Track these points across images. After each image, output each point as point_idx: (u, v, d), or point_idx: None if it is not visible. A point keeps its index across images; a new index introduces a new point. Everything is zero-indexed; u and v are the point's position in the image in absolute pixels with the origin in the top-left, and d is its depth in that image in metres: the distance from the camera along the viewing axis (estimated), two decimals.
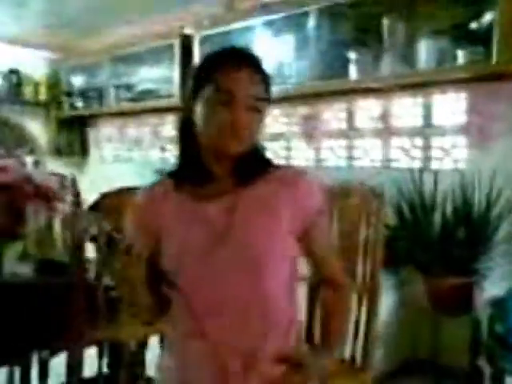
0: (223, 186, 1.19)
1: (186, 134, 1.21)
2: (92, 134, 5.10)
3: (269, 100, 1.19)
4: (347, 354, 1.73)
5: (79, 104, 4.83)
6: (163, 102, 4.00)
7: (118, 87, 4.44)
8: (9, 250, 1.76)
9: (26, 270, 1.78)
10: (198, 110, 1.16)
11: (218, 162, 1.18)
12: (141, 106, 4.26)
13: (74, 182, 1.95)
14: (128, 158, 4.71)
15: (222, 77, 1.13)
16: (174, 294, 1.17)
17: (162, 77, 4.03)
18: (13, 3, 3.76)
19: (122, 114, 4.60)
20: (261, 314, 1.16)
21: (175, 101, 3.78)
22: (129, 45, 4.18)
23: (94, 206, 1.74)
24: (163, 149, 4.42)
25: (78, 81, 4.92)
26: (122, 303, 1.72)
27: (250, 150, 1.17)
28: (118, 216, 1.56)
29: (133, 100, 4.31)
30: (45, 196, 1.67)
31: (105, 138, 4.98)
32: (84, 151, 5.10)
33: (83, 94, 4.80)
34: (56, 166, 4.12)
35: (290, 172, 1.22)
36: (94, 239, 1.77)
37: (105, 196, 1.77)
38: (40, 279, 1.76)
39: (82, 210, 1.82)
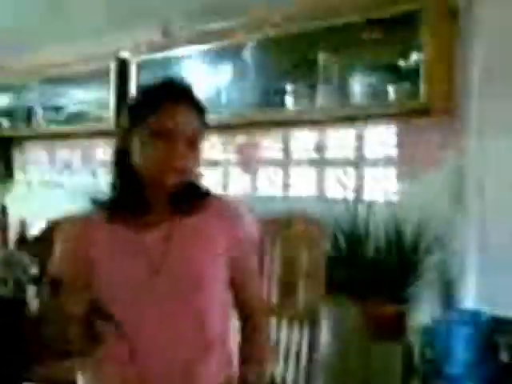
0: (159, 216, 1.21)
1: (122, 164, 1.22)
2: (18, 157, 4.88)
3: (204, 131, 1.23)
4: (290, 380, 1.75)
5: (4, 124, 4.62)
6: (96, 126, 3.91)
7: (47, 108, 4.29)
8: None
9: None
10: (135, 142, 1.18)
11: (155, 192, 1.21)
12: (71, 129, 4.13)
13: (4, 210, 1.86)
14: (57, 183, 4.54)
15: (158, 112, 1.17)
16: (107, 325, 1.15)
17: (94, 100, 3.95)
18: None
19: (51, 136, 4.45)
20: (196, 340, 1.19)
21: (109, 125, 3.70)
22: (61, 66, 4.06)
23: (43, 235, 1.66)
24: (94, 173, 4.30)
25: (3, 100, 4.71)
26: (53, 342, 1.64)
27: (188, 182, 1.21)
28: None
29: (63, 122, 4.18)
30: None
31: (32, 161, 4.78)
32: (8, 175, 4.87)
33: (9, 113, 4.60)
34: None
35: (224, 203, 1.29)
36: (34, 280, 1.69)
37: (54, 224, 1.69)
38: None
39: (16, 252, 1.74)
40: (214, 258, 1.22)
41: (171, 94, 1.20)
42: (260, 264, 1.47)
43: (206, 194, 1.27)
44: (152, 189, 1.20)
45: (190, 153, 1.18)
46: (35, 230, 1.68)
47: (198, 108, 1.22)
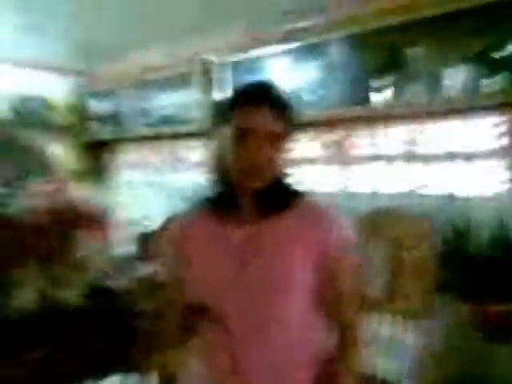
0: (248, 214, 1.25)
1: (221, 167, 1.28)
2: (115, 160, 5.13)
3: (289, 131, 1.24)
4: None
5: (102, 129, 4.88)
6: (185, 128, 4.04)
7: (140, 113, 4.48)
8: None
9: (71, 295, 1.80)
10: (225, 143, 1.24)
11: (243, 191, 1.25)
12: (163, 132, 4.30)
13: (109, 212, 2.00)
14: (151, 183, 4.74)
15: (237, 116, 1.21)
16: (203, 321, 1.21)
17: (183, 103, 4.07)
18: (35, 28, 3.81)
19: (144, 138, 4.64)
20: (276, 341, 1.19)
21: (196, 127, 3.81)
22: (150, 70, 4.22)
23: (161, 230, 1.76)
24: (184, 174, 4.44)
25: (101, 106, 4.97)
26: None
27: (274, 182, 1.23)
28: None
29: (155, 126, 4.35)
30: (90, 223, 1.70)
31: (128, 164, 5.01)
32: (107, 176, 5.13)
33: (106, 119, 4.84)
34: (79, 191, 4.16)
35: (313, 204, 1.27)
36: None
37: (170, 220, 1.78)
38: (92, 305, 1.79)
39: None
40: (302, 259, 1.21)
41: (247, 95, 1.22)
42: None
43: (294, 193, 1.27)
44: (240, 188, 1.24)
45: (270, 151, 1.19)
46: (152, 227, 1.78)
47: (279, 107, 1.22)
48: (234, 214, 1.25)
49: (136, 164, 4.91)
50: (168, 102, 4.25)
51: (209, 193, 1.30)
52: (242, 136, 1.19)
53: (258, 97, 1.22)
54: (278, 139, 1.20)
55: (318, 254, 1.21)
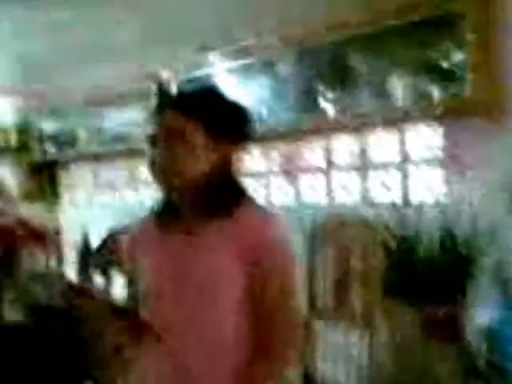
0: (187, 220, 1.24)
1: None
2: (63, 179, 5.02)
3: (224, 136, 1.23)
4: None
5: (50, 149, 4.77)
6: (138, 145, 3.99)
7: (90, 130, 4.41)
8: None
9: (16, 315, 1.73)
10: None
11: (177, 196, 1.25)
12: (114, 149, 4.23)
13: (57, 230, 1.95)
14: (101, 202, 4.65)
15: (151, 122, 1.27)
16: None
17: (135, 120, 4.03)
18: None
19: (94, 157, 4.56)
20: (210, 347, 1.19)
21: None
22: (101, 88, 4.17)
23: (102, 245, 1.71)
24: (137, 191, 4.38)
25: (48, 126, 4.87)
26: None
27: (210, 187, 1.22)
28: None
29: (105, 143, 4.28)
30: (41, 239, 1.64)
31: (77, 182, 4.91)
32: (55, 196, 5.01)
33: (54, 138, 4.74)
34: (27, 211, 4.05)
35: (253, 207, 1.26)
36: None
37: (112, 234, 1.74)
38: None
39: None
40: (232, 265, 1.18)
41: (158, 104, 1.32)
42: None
43: (233, 198, 1.24)
44: (167, 192, 1.26)
45: (181, 151, 1.20)
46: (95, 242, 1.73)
47: (191, 107, 1.23)
48: (174, 222, 1.26)
49: (87, 183, 4.81)
50: (122, 119, 4.21)
51: (156, 204, 1.32)
52: (154, 141, 1.22)
53: (169, 100, 1.28)
54: (191, 140, 1.21)
55: (251, 259, 1.19)
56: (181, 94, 1.36)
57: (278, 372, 1.23)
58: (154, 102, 3.76)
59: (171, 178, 1.21)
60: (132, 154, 4.20)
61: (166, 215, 1.27)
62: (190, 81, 3.53)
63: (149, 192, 4.17)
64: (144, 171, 4.29)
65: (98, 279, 1.74)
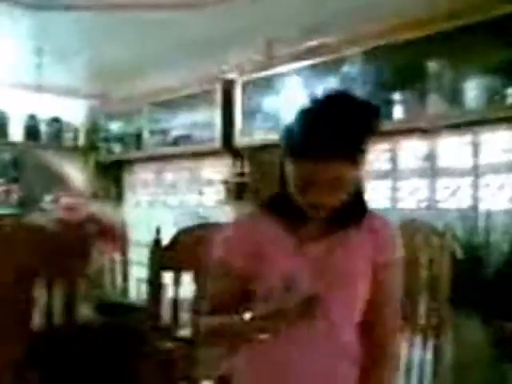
0: (319, 229, 1.21)
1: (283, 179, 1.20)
2: (128, 179, 5.15)
3: (357, 162, 1.13)
4: None
5: (116, 149, 4.91)
6: (203, 147, 4.03)
7: (155, 132, 4.50)
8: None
9: (85, 311, 1.77)
10: (286, 167, 1.16)
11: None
12: (178, 151, 4.30)
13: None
14: (164, 203, 4.72)
15: (300, 160, 1.11)
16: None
17: (201, 121, 4.08)
18: (52, 52, 3.87)
19: (158, 158, 4.64)
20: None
21: (216, 145, 3.81)
22: (168, 91, 4.25)
23: (172, 243, 1.72)
24: (201, 193, 4.42)
25: (115, 126, 5.02)
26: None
27: (347, 200, 1.17)
28: (193, 253, 1.55)
29: (170, 144, 4.36)
30: (110, 235, 1.67)
31: (141, 183, 5.02)
32: (120, 195, 5.14)
33: (121, 139, 4.88)
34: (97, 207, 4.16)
35: (377, 220, 1.25)
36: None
37: (182, 232, 1.76)
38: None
39: None
40: (362, 274, 1.21)
41: (311, 142, 1.08)
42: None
43: (364, 210, 1.24)
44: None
45: (341, 191, 1.13)
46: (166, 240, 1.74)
47: (356, 148, 1.11)
48: (301, 226, 1.22)
49: (150, 183, 4.91)
50: (186, 121, 4.26)
51: (273, 199, 1.26)
52: (304, 179, 1.12)
53: (326, 145, 1.07)
54: (340, 179, 1.11)
55: (374, 268, 1.22)
56: (346, 122, 1.09)
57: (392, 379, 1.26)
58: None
59: (320, 210, 1.16)
60: (195, 155, 4.27)
61: (291, 218, 1.22)
62: (255, 82, 3.54)
63: (211, 193, 4.23)
64: (206, 172, 4.34)
65: (167, 278, 1.75)
